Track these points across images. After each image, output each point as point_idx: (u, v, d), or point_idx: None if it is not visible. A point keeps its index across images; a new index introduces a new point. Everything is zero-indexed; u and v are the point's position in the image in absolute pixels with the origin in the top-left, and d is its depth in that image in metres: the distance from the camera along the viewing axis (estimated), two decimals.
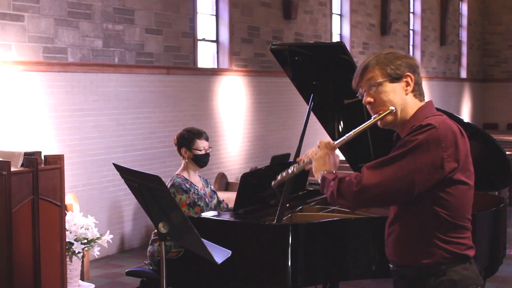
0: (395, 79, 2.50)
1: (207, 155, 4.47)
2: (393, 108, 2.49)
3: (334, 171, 2.57)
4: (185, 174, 4.44)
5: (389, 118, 2.51)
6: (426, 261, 2.43)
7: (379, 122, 2.54)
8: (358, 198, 2.42)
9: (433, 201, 2.41)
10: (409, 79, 2.52)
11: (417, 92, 2.55)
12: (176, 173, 4.48)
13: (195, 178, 4.49)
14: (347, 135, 2.62)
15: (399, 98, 2.51)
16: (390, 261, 2.58)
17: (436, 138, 2.36)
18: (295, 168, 2.70)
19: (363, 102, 2.56)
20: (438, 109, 2.72)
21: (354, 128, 2.64)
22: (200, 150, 4.43)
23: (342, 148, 4.53)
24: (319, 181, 2.59)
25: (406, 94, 2.52)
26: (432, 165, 2.36)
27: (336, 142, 2.63)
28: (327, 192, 2.53)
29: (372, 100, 2.53)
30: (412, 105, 2.53)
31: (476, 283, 2.47)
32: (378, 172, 2.40)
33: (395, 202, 2.49)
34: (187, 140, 4.44)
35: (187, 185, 4.36)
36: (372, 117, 2.54)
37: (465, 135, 2.49)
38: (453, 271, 2.42)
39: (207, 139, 4.49)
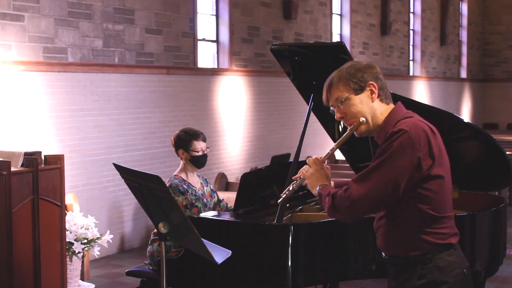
0: (359, 90, 2.68)
1: (204, 156, 4.46)
2: (363, 119, 2.68)
3: (328, 184, 2.75)
4: (183, 175, 4.43)
5: (363, 127, 2.70)
6: (413, 253, 2.61)
7: (355, 133, 2.72)
8: (351, 211, 2.62)
9: (416, 199, 2.58)
10: (372, 87, 2.69)
11: (383, 96, 2.72)
12: (174, 174, 4.46)
13: (194, 178, 4.48)
14: (330, 149, 2.82)
15: (367, 107, 2.68)
16: (381, 250, 2.75)
17: (410, 141, 2.54)
18: (294, 185, 2.87)
19: (335, 118, 2.74)
20: (410, 102, 2.91)
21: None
22: (197, 152, 4.41)
23: (342, 149, 4.53)
24: (317, 197, 2.76)
25: (373, 101, 2.69)
26: (411, 166, 2.54)
27: (322, 157, 2.81)
28: (324, 207, 2.71)
29: (343, 115, 2.72)
30: (381, 110, 2.71)
31: (460, 266, 2.64)
32: (364, 184, 2.58)
33: (386, 206, 2.65)
34: (184, 141, 4.42)
35: (184, 186, 4.35)
36: (348, 129, 2.73)
37: (436, 131, 2.66)
38: (439, 258, 2.59)
39: (204, 140, 4.47)
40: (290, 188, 2.89)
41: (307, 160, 2.83)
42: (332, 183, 2.85)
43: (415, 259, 2.60)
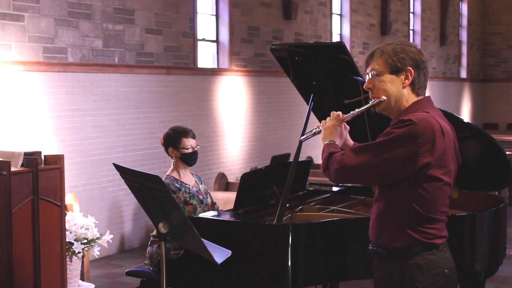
0: (395, 71, 2.68)
1: (194, 153, 4.45)
2: (384, 98, 2.70)
3: (337, 142, 2.83)
4: (174, 174, 4.43)
5: (383, 105, 2.73)
6: (395, 244, 2.66)
7: (376, 108, 2.76)
8: (338, 174, 2.69)
9: (410, 197, 2.61)
10: (408, 74, 2.68)
11: (416, 86, 2.71)
12: (166, 174, 4.47)
13: (186, 177, 4.47)
14: (352, 112, 2.89)
15: (395, 90, 2.70)
16: (370, 240, 2.81)
17: (413, 133, 2.55)
18: (315, 130, 3.03)
19: (363, 86, 2.79)
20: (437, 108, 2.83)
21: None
22: (187, 149, 4.41)
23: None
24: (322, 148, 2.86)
25: (403, 87, 2.69)
26: (406, 158, 2.56)
27: (345, 116, 2.89)
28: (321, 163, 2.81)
29: (371, 86, 2.74)
30: (407, 98, 2.71)
31: (442, 266, 2.65)
32: (358, 156, 2.65)
33: (371, 184, 2.80)
34: (173, 139, 4.42)
35: (176, 185, 4.34)
36: (370, 102, 2.78)
37: (447, 132, 2.63)
38: (419, 256, 2.63)
39: (193, 137, 4.47)
40: (312, 131, 3.04)
41: (331, 113, 2.91)
42: (351, 143, 2.97)
43: (396, 252, 2.65)
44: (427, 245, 2.63)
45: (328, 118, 2.90)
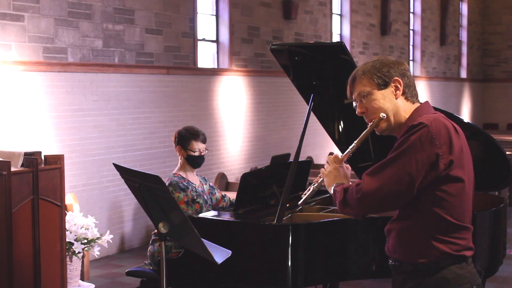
0: (382, 86, 2.57)
1: (200, 158, 4.44)
2: (383, 114, 2.56)
3: (344, 183, 2.61)
4: (181, 173, 4.43)
5: (383, 124, 2.58)
6: (422, 260, 2.47)
7: (375, 130, 2.61)
8: (361, 205, 2.48)
9: (432, 203, 2.44)
10: (397, 84, 2.58)
11: (409, 94, 2.60)
12: (173, 172, 4.46)
13: (192, 176, 4.48)
14: (350, 147, 2.70)
15: (390, 104, 2.57)
16: (389, 256, 2.62)
17: (429, 136, 2.40)
18: (315, 186, 2.80)
19: (356, 113, 2.64)
20: (436, 109, 2.75)
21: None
22: (194, 152, 4.40)
23: (341, 148, 4.52)
24: (332, 195, 2.65)
25: (396, 98, 2.58)
26: (428, 163, 2.39)
27: (342, 155, 2.71)
28: (336, 203, 2.60)
29: (364, 110, 2.61)
30: (404, 108, 2.59)
31: (471, 282, 2.49)
32: (377, 177, 2.45)
33: (398, 204, 2.51)
34: (183, 138, 4.42)
35: (184, 183, 4.35)
36: (368, 126, 2.62)
37: (460, 131, 2.52)
38: (448, 270, 2.45)
39: (204, 142, 4.45)
40: (311, 189, 2.80)
41: (327, 158, 2.72)
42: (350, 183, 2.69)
43: (423, 267, 2.46)
44: (455, 258, 2.46)
45: (326, 165, 2.70)
